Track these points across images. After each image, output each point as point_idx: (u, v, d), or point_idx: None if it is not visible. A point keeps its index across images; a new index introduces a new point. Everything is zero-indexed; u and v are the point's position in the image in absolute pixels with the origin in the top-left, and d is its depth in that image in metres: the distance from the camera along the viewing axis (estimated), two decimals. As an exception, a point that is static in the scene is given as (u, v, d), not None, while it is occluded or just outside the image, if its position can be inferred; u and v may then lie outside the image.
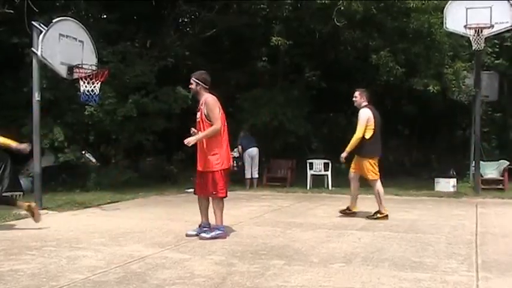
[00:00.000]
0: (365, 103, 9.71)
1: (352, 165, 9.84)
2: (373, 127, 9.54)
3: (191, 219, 8.60)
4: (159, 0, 17.90)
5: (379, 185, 9.60)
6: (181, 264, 6.11)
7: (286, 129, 17.49)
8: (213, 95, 7.52)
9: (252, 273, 5.65)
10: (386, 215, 9.60)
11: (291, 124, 17.50)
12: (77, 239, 7.76)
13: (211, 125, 7.28)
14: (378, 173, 9.64)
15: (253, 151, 16.00)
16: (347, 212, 9.92)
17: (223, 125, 7.43)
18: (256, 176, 15.92)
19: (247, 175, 15.87)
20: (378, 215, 9.60)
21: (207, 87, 7.51)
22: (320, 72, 20.06)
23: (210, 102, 7.38)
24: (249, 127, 16.65)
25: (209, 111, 7.29)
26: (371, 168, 9.59)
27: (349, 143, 9.66)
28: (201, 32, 18.49)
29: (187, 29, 21.07)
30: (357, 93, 9.87)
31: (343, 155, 9.62)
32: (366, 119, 9.50)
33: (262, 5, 16.40)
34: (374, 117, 9.58)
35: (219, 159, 7.39)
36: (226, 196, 7.61)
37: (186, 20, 21.04)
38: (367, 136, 9.51)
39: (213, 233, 7.43)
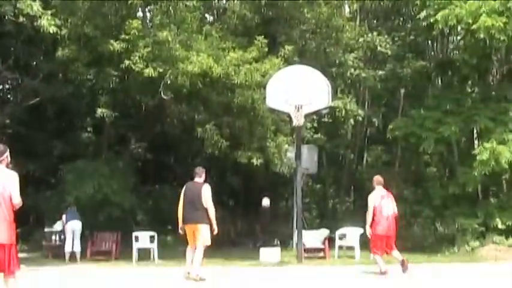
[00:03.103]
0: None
1: None
2: (182, 199, 10.79)
3: None
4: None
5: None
6: None
7: (111, 201, 16.80)
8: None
9: None
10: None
11: (116, 196, 16.76)
12: None
13: None
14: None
15: (75, 224, 15.31)
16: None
17: None
18: (79, 249, 15.19)
19: (67, 248, 15.13)
20: None
21: None
22: (146, 144, 20.10)
23: None
24: (73, 203, 16.05)
25: None
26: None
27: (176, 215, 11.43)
28: (24, 100, 17.41)
29: (9, 97, 20.06)
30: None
31: None
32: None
33: (88, 76, 15.99)
34: (184, 191, 10.72)
35: None
36: None
37: (7, 86, 20.00)
38: (179, 207, 10.78)
39: None
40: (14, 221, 6.90)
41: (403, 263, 10.63)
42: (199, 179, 10.63)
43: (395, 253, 10.93)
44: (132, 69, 13.85)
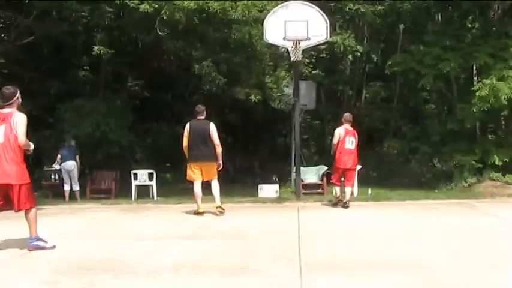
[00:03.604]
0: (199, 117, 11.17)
1: None
2: (188, 137, 10.98)
3: (12, 237, 8.11)
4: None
5: (194, 186, 10.93)
6: (2, 286, 5.77)
7: (109, 139, 16.87)
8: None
9: (78, 290, 5.55)
10: (200, 212, 10.87)
11: (114, 134, 16.87)
12: None
13: None
14: (192, 177, 10.85)
15: (68, 165, 15.25)
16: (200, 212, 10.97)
17: None
18: (77, 188, 15.19)
19: (65, 187, 15.18)
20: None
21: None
22: (143, 82, 19.98)
23: None
24: (70, 138, 15.99)
25: None
26: (188, 171, 11.05)
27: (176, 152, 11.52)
28: (18, 39, 16.95)
29: (3, 36, 19.37)
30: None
31: None
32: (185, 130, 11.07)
33: (83, 13, 15.70)
34: (190, 128, 10.95)
35: None
36: None
37: (0, 25, 19.51)
38: (185, 144, 11.05)
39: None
40: (23, 162, 7.23)
41: (343, 203, 11.85)
42: (202, 116, 10.86)
43: (348, 190, 12.04)
44: (127, 5, 13.61)
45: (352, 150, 12.06)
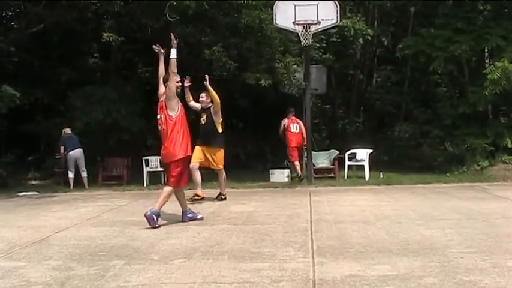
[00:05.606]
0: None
1: (199, 156, 10.91)
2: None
3: (25, 225, 8.46)
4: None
5: (224, 173, 11.23)
6: (16, 272, 5.73)
7: (120, 126, 16.83)
8: None
9: (91, 275, 5.47)
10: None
11: (125, 121, 16.83)
12: None
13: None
14: None
15: (77, 152, 15.08)
16: (196, 199, 10.89)
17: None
18: (85, 174, 15.03)
19: (70, 175, 14.95)
20: (222, 197, 11.18)
21: None
22: (153, 68, 19.90)
23: None
24: (67, 127, 15.77)
25: None
26: (222, 157, 11.06)
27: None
28: (28, 27, 16.86)
29: (12, 24, 19.56)
30: (203, 95, 11.16)
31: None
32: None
33: (92, 0, 15.67)
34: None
35: None
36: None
37: (10, 13, 19.44)
38: (221, 130, 10.99)
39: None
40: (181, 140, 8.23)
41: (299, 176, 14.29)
42: None
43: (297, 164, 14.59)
44: (137, -8, 13.49)
45: (296, 133, 14.81)
